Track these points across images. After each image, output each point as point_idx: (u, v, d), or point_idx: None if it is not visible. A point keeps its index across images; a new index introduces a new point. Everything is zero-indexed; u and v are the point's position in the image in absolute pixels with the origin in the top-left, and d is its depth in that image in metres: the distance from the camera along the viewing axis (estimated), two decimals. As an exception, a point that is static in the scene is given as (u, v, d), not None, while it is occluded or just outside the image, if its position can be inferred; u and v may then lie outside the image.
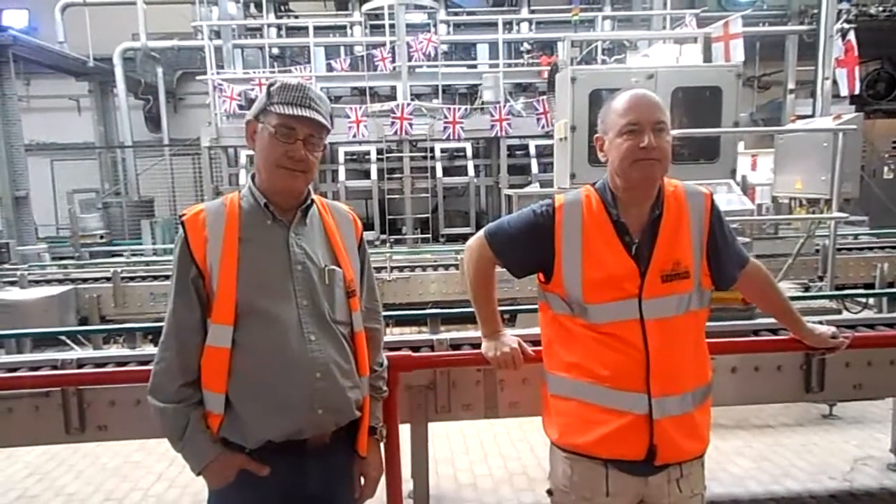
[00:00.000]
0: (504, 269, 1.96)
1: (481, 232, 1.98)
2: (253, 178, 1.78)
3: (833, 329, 2.20)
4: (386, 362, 2.05)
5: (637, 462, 1.73)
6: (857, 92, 10.47)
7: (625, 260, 1.74)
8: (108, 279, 7.00)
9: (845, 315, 4.31)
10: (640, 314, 1.73)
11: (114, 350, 4.54)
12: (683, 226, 1.79)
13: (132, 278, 7.19)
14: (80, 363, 2.73)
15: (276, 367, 1.67)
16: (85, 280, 7.24)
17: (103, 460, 4.16)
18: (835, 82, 10.25)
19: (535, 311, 1.97)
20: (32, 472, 4.06)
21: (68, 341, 5.50)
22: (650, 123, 1.72)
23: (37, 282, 7.23)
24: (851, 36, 10.14)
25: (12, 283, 6.89)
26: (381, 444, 1.97)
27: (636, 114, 1.73)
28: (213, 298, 1.68)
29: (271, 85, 1.71)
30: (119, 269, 7.06)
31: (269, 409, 1.67)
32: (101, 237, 12.03)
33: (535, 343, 2.06)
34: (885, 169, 10.70)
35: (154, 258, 9.39)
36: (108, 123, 15.01)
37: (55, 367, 2.71)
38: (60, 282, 7.25)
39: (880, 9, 11.36)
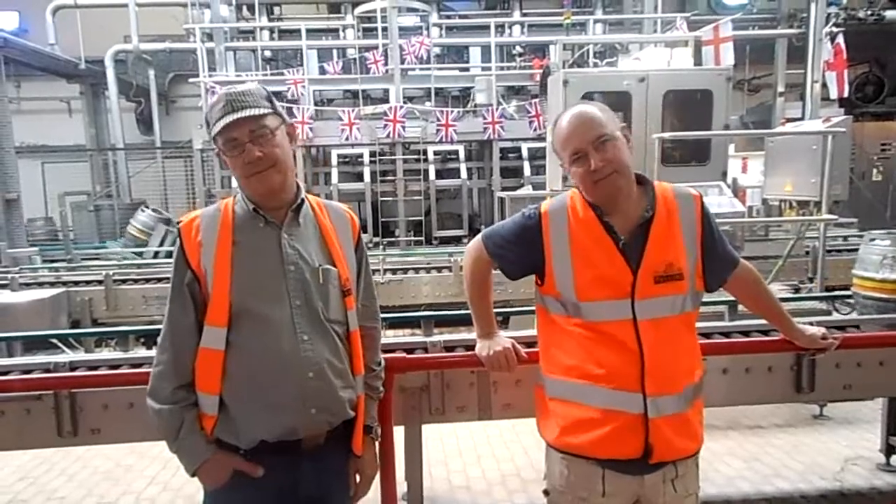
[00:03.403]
0: (499, 272, 2.00)
1: (479, 235, 2.02)
2: None
3: (823, 330, 2.22)
4: (383, 362, 2.05)
5: (633, 461, 1.74)
6: (846, 95, 10.56)
7: (615, 258, 1.76)
8: (100, 282, 6.95)
9: (835, 316, 4.33)
10: (633, 314, 1.74)
11: (106, 353, 4.52)
12: (674, 228, 1.81)
13: (124, 281, 7.15)
14: (73, 366, 2.72)
15: (269, 368, 1.68)
16: (77, 283, 7.19)
17: (95, 464, 4.13)
18: (824, 85, 10.35)
19: (528, 313, 2.00)
20: (23, 476, 4.03)
21: (60, 344, 5.46)
22: (590, 144, 1.75)
23: (28, 284, 7.18)
24: (840, 39, 10.24)
25: (3, 286, 6.83)
26: (377, 444, 1.98)
27: (574, 142, 1.77)
28: (209, 301, 1.69)
29: (206, 114, 1.76)
30: (111, 272, 7.03)
31: (261, 410, 1.68)
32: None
33: (529, 345, 2.07)
34: (874, 171, 10.80)
35: (146, 261, 9.33)
36: (99, 126, 14.94)
37: (47, 371, 2.69)
38: (52, 284, 7.21)
39: (868, 12, 11.46)
